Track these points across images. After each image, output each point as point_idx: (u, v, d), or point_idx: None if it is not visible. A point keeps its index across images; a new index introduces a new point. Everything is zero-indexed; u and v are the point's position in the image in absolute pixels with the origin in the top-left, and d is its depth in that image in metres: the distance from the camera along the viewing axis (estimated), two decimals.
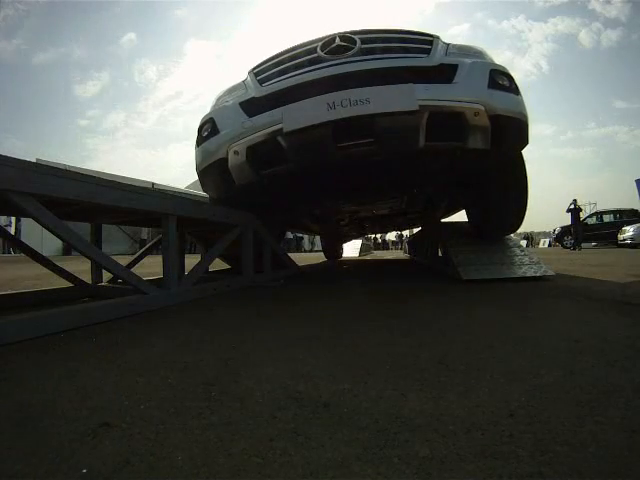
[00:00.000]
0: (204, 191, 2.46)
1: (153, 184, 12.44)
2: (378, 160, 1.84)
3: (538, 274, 2.25)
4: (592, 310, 1.33)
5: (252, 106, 1.87)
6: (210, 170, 2.08)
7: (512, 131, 1.88)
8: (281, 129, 1.69)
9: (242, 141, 1.83)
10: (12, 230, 10.14)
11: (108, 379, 0.75)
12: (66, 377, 0.76)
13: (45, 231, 1.27)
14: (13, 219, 10.52)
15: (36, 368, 0.82)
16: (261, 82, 1.95)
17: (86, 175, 1.38)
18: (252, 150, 1.82)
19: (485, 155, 1.89)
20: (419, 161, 1.98)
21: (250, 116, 1.84)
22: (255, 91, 1.93)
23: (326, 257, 6.85)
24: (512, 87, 1.89)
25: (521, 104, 1.92)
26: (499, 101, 1.78)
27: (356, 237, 7.40)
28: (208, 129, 2.05)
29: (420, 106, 1.60)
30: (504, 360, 0.81)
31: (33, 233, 8.22)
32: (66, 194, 1.25)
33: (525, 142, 2.04)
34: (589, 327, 1.08)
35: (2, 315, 1.09)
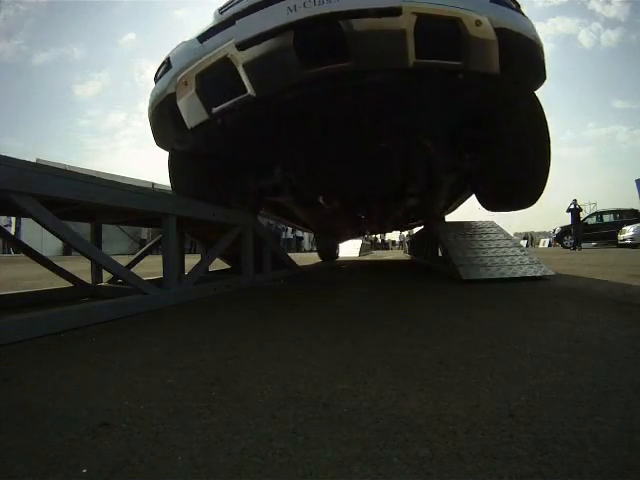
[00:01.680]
0: (157, 144, 2.17)
1: (153, 184, 12.44)
2: (356, 87, 1.50)
3: (538, 274, 2.25)
4: (592, 310, 1.33)
5: (209, 34, 1.64)
6: (158, 110, 1.80)
7: (526, 54, 1.53)
8: (233, 45, 1.45)
9: (191, 68, 1.58)
10: (12, 230, 10.14)
11: (108, 379, 0.75)
12: (66, 377, 0.76)
13: (45, 231, 1.27)
14: (13, 219, 10.52)
15: (36, 368, 0.82)
16: (221, 12, 1.71)
17: (86, 175, 1.38)
18: (202, 78, 1.57)
19: (494, 84, 1.57)
20: (410, 88, 1.60)
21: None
22: (214, 22, 1.68)
23: (320, 258, 6.13)
24: (520, 9, 1.61)
25: (532, 27, 1.59)
26: (505, 14, 1.46)
27: (354, 237, 7.33)
28: (162, 69, 1.82)
29: (405, 7, 1.29)
30: (504, 360, 0.81)
31: (33, 233, 8.23)
32: (66, 194, 1.25)
33: (542, 75, 1.70)
34: (589, 327, 1.08)
35: (2, 315, 1.10)
